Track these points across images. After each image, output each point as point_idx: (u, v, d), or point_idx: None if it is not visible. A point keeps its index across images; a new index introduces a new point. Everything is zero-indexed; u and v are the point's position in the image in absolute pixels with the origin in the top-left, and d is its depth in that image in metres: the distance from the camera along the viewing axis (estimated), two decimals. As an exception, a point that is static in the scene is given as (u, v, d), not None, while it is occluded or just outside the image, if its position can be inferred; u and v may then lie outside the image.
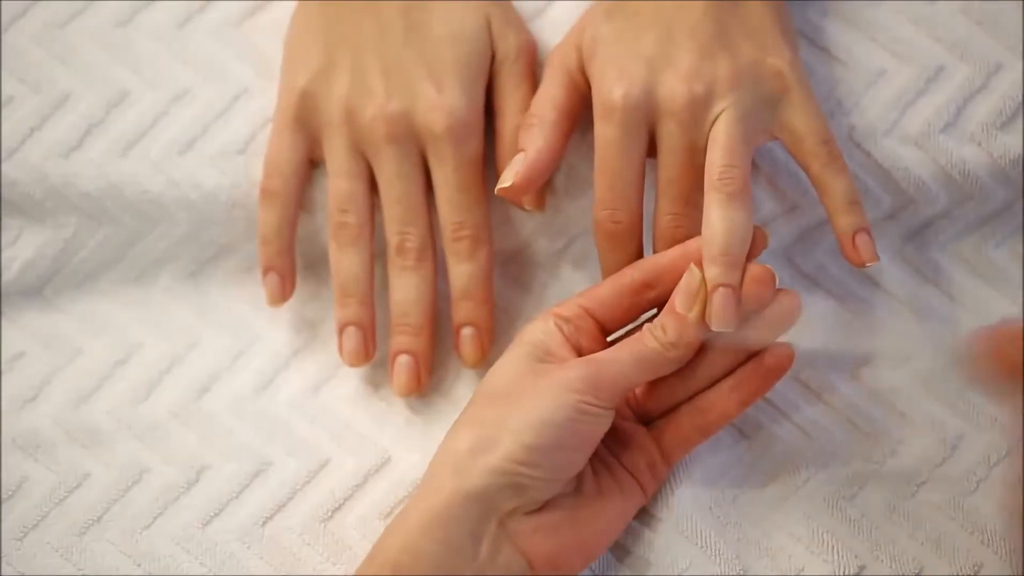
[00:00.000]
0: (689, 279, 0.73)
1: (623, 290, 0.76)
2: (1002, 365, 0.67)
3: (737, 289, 0.73)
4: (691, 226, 0.75)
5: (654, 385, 0.77)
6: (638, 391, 0.78)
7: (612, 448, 0.77)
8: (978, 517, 0.78)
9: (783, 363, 0.75)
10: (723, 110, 0.75)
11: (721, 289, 0.72)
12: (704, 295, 0.72)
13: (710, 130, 0.75)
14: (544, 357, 0.74)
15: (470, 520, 0.71)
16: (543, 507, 0.73)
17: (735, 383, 0.76)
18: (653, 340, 0.73)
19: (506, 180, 0.78)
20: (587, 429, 0.72)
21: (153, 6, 0.87)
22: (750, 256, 0.74)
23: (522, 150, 0.78)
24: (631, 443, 0.77)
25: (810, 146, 0.76)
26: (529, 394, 0.72)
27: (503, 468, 0.71)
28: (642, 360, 0.73)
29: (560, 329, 0.75)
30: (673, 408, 0.77)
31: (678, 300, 0.73)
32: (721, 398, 0.76)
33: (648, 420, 0.78)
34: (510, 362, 0.75)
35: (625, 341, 0.74)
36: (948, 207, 0.82)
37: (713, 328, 0.72)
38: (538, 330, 0.75)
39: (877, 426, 0.80)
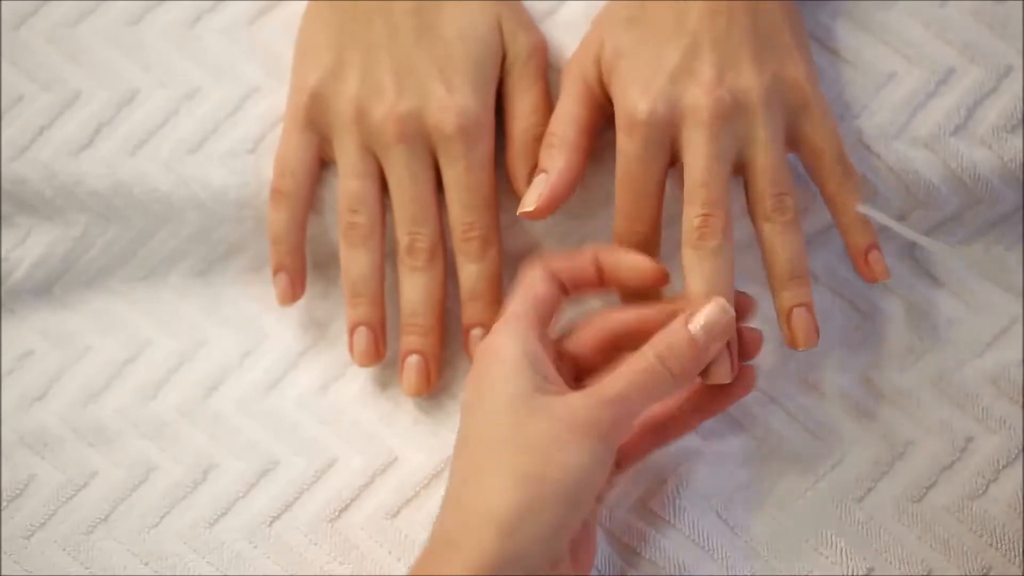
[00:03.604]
0: (719, 314, 0.72)
1: (648, 319, 0.75)
2: None
3: (811, 304, 0.75)
4: (722, 223, 0.74)
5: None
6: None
7: None
8: (987, 519, 0.78)
9: (742, 386, 0.76)
10: (756, 130, 0.75)
11: (796, 309, 0.74)
12: (728, 334, 0.73)
13: (745, 150, 0.75)
14: (545, 387, 0.71)
15: None
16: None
17: (695, 406, 0.76)
18: (660, 366, 0.72)
19: (528, 204, 0.78)
20: (601, 480, 0.71)
21: (164, 5, 0.87)
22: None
23: (543, 171, 0.79)
24: None
25: (828, 163, 0.77)
26: (560, 445, 0.69)
27: (550, 534, 0.69)
28: (647, 387, 0.71)
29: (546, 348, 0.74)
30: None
31: (701, 328, 0.72)
32: (682, 418, 0.76)
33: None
34: (502, 395, 0.71)
35: (626, 372, 0.71)
36: (958, 210, 0.82)
37: (800, 348, 0.75)
38: (521, 347, 0.72)
39: (885, 428, 0.80)
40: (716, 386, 0.75)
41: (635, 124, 0.75)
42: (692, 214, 0.74)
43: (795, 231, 0.76)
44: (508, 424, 0.70)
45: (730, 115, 0.75)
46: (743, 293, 0.76)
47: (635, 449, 0.77)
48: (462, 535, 0.69)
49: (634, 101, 0.76)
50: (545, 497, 0.68)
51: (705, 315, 0.72)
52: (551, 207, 0.78)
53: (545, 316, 0.75)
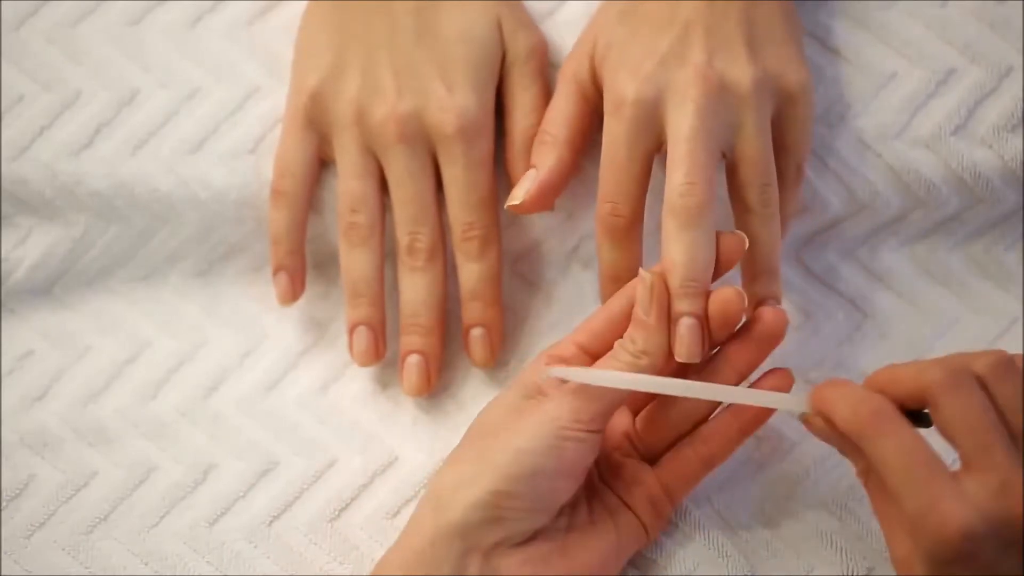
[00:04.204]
0: (640, 284, 0.72)
1: (615, 318, 0.75)
2: (831, 423, 0.67)
3: (780, 296, 0.76)
4: (705, 196, 0.72)
5: (652, 418, 0.77)
6: (639, 426, 0.77)
7: (610, 483, 0.76)
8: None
9: (781, 387, 0.75)
10: (745, 117, 0.74)
11: (768, 301, 0.74)
12: (657, 296, 0.72)
13: (732, 137, 0.75)
14: (535, 395, 0.74)
15: (452, 557, 0.71)
16: (530, 539, 0.72)
17: (735, 411, 0.75)
18: (624, 353, 0.72)
19: (516, 198, 0.78)
20: (571, 455, 0.71)
21: (164, 5, 0.87)
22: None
23: (533, 167, 0.79)
24: (630, 478, 0.76)
25: (784, 163, 0.77)
26: (512, 428, 0.72)
27: (483, 500, 0.70)
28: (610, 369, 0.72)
29: None
30: (676, 442, 0.76)
31: (638, 306, 0.72)
32: (722, 426, 0.75)
33: (653, 458, 0.77)
34: (499, 401, 0.75)
35: (599, 362, 0.73)
36: (959, 210, 0.82)
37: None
38: (531, 371, 0.75)
39: (886, 427, 0.80)
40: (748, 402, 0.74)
41: (621, 104, 0.75)
42: (675, 182, 0.73)
43: (775, 224, 0.76)
44: (482, 421, 0.74)
45: (719, 96, 0.74)
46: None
47: (683, 476, 0.76)
48: (412, 517, 0.73)
49: (623, 83, 0.75)
50: (481, 472, 0.71)
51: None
52: (539, 202, 0.79)
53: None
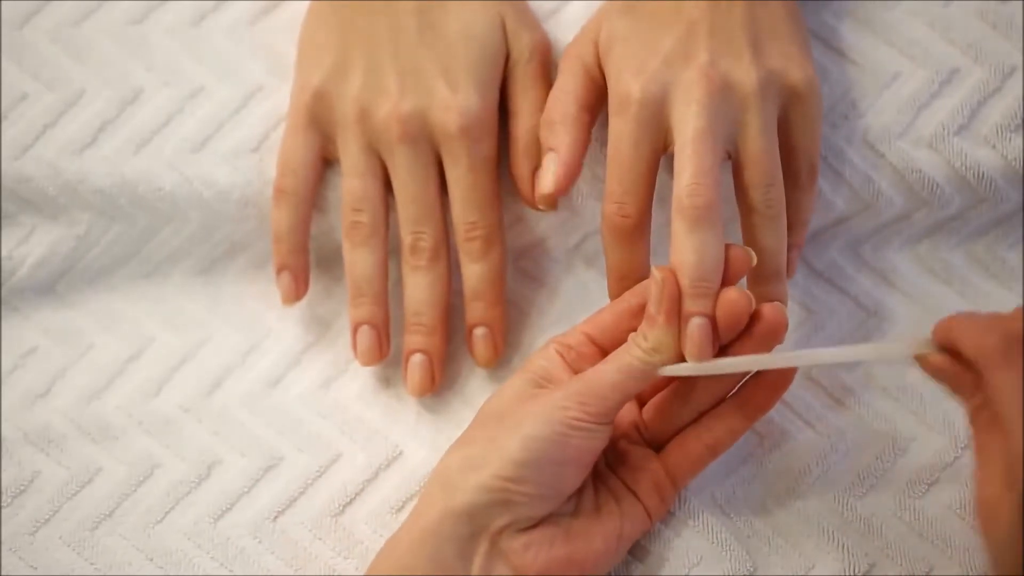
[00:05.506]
0: (652, 281, 0.72)
1: (623, 315, 0.75)
2: (954, 358, 0.66)
3: (786, 298, 0.75)
4: (712, 196, 0.72)
5: (660, 408, 0.77)
6: (646, 416, 0.78)
7: (616, 469, 0.77)
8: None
9: (785, 377, 0.75)
10: (749, 117, 0.74)
11: (771, 304, 0.73)
12: (668, 294, 0.71)
13: (736, 136, 0.75)
14: (543, 383, 0.74)
15: (459, 538, 0.72)
16: (537, 524, 0.73)
17: (740, 399, 0.76)
18: (636, 349, 0.72)
19: (546, 186, 0.78)
20: (579, 444, 0.72)
21: (167, 5, 0.87)
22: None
23: (550, 149, 0.78)
24: (635, 464, 0.76)
25: (795, 163, 0.77)
26: (521, 414, 0.72)
27: (491, 484, 0.71)
28: (628, 370, 0.72)
29: (562, 356, 0.75)
30: (681, 431, 0.77)
31: (650, 303, 0.72)
32: (727, 413, 0.76)
33: (659, 446, 0.77)
34: (509, 387, 0.75)
35: (611, 355, 0.73)
36: (961, 209, 0.82)
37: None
38: (540, 357, 0.75)
39: (888, 425, 0.80)
40: (755, 379, 0.75)
41: (627, 103, 0.75)
42: (683, 183, 0.72)
43: (780, 225, 0.75)
44: (491, 405, 0.76)
45: (723, 96, 0.74)
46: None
47: (688, 462, 0.76)
48: (419, 499, 0.74)
49: (628, 81, 0.75)
50: (488, 455, 0.71)
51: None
52: (567, 184, 0.78)
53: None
